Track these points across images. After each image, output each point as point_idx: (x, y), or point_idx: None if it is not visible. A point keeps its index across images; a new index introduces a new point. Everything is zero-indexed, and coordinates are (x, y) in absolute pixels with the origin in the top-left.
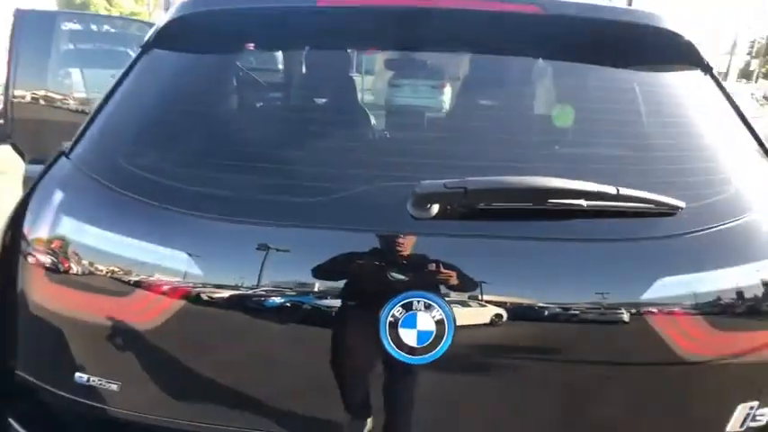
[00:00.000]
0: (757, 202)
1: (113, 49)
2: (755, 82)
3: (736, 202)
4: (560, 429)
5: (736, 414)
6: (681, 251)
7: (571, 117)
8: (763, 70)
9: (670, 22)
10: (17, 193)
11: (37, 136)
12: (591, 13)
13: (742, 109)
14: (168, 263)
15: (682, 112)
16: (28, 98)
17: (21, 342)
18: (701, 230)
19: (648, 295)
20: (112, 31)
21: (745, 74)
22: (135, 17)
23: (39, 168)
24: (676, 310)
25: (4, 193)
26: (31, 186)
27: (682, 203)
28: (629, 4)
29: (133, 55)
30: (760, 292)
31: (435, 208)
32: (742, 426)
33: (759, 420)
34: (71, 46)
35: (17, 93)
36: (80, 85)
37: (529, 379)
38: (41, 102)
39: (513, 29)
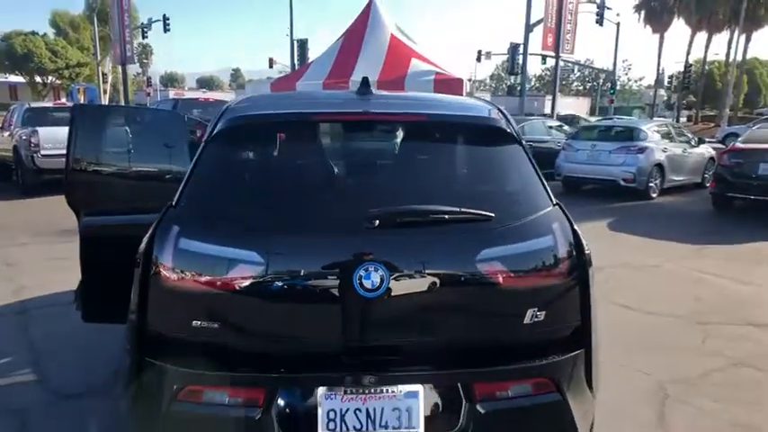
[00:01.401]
0: (535, 211)
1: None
2: (677, 114)
3: (524, 211)
4: (436, 325)
5: (527, 314)
6: (493, 236)
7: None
8: (684, 102)
9: (502, 122)
10: None
11: (88, 197)
12: (453, 119)
13: (535, 163)
14: (245, 257)
15: (504, 166)
16: (83, 169)
17: (153, 310)
18: (504, 226)
19: (479, 257)
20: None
21: (669, 106)
22: (82, 64)
23: (93, 218)
24: (493, 263)
25: None
26: (155, 226)
27: (492, 214)
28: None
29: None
30: (535, 254)
31: (377, 222)
32: (531, 320)
33: (538, 317)
34: (115, 131)
35: (75, 165)
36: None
37: (423, 301)
38: (92, 172)
39: (414, 126)
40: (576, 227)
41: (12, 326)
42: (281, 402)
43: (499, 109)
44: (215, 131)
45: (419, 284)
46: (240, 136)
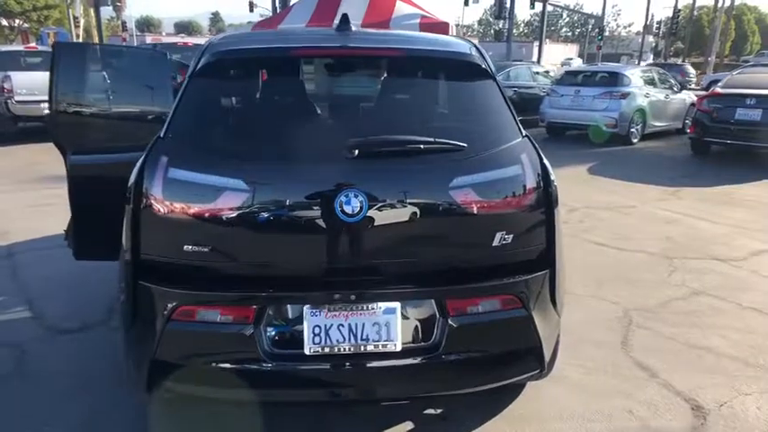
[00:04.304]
0: (505, 142)
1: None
2: (664, 61)
3: (495, 142)
4: (411, 247)
5: (496, 237)
6: (466, 165)
7: None
8: (672, 49)
9: (478, 57)
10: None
11: (75, 135)
12: (431, 54)
13: (507, 97)
14: (231, 185)
15: (477, 100)
16: (67, 108)
17: (145, 237)
18: (476, 156)
19: (452, 185)
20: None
21: (657, 53)
22: (51, 6)
23: (80, 156)
24: (465, 190)
25: None
26: (144, 157)
27: (465, 144)
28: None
29: None
30: (504, 182)
31: (356, 152)
32: (499, 243)
33: (506, 240)
34: (95, 69)
35: (58, 106)
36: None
37: (400, 226)
38: (76, 110)
39: (392, 61)
40: (543, 157)
41: (2, 269)
42: (270, 320)
43: (475, 45)
44: (199, 65)
45: (396, 210)
46: (223, 69)
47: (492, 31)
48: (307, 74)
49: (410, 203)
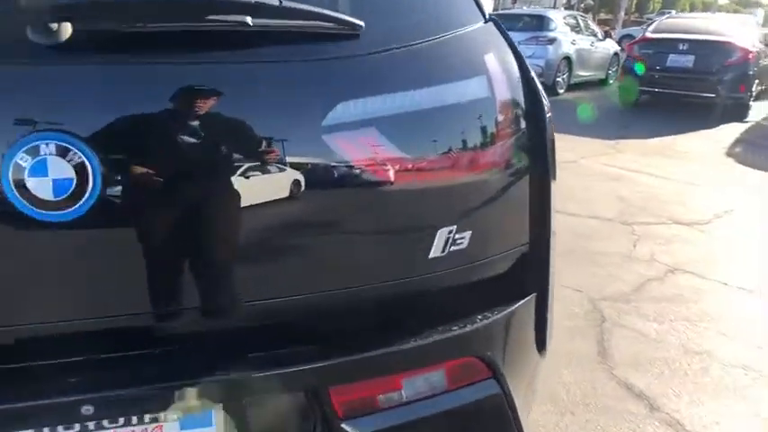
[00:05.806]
0: (451, 27)
1: None
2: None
3: (431, 27)
4: (230, 274)
5: (436, 240)
6: (365, 71)
7: None
8: (582, 5)
9: None
10: None
11: None
12: None
13: None
14: None
15: None
16: None
17: None
18: (388, 50)
19: (331, 121)
20: None
21: (569, 8)
22: None
23: None
24: (362, 132)
25: None
26: None
27: (361, 23)
28: None
29: None
30: (449, 111)
31: (67, 29)
32: (444, 251)
33: (460, 244)
34: None
35: None
36: None
37: (197, 222)
38: None
39: None
40: (529, 67)
41: None
42: None
43: None
44: None
45: (184, 186)
46: None
47: None
48: None
49: (219, 168)
